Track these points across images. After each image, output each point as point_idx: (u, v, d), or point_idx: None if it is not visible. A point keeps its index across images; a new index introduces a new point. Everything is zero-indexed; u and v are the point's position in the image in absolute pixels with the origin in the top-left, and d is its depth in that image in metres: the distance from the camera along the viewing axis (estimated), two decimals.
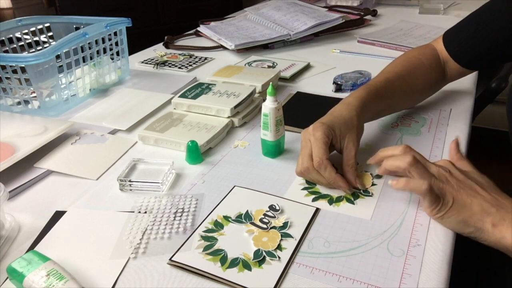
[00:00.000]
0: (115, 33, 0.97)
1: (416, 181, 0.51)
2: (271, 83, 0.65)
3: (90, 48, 0.90)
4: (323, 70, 1.04)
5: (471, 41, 0.73)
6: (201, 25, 1.40)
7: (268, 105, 0.63)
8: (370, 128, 0.75)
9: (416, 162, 0.51)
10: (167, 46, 1.27)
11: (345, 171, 0.59)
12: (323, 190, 0.60)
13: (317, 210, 0.56)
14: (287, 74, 0.98)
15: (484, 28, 0.71)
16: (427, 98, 0.82)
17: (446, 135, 0.72)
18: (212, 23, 1.41)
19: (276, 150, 0.67)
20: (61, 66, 0.85)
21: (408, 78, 0.74)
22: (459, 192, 0.50)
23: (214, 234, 0.52)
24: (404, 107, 0.79)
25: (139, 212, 0.57)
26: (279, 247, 0.49)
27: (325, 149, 0.57)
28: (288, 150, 0.70)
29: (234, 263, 0.48)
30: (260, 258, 0.48)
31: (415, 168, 0.51)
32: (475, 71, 0.84)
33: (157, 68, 1.10)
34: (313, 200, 0.58)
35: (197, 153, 0.67)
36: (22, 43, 0.98)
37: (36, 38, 1.00)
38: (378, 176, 0.61)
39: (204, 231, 0.53)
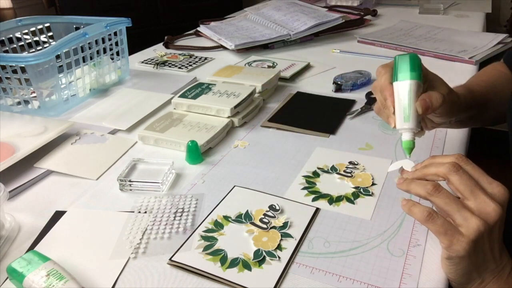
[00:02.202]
0: (115, 33, 0.97)
1: (419, 207, 0.43)
2: None
3: (90, 48, 0.90)
4: (323, 70, 1.04)
5: None
6: (201, 25, 1.40)
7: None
8: (370, 128, 0.75)
9: (440, 191, 0.42)
10: (167, 46, 1.27)
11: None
12: (323, 190, 0.60)
13: (317, 210, 0.56)
14: (287, 74, 0.98)
15: None
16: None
17: (446, 135, 0.72)
18: (212, 23, 1.41)
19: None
20: (61, 66, 0.85)
21: (498, 83, 0.67)
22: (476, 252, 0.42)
23: (214, 234, 0.52)
24: (495, 120, 0.69)
25: (139, 212, 0.57)
26: (279, 247, 0.49)
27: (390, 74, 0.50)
28: (289, 150, 0.70)
29: (234, 263, 0.48)
30: (260, 258, 0.48)
31: (438, 196, 0.42)
32: None
33: (157, 68, 1.10)
34: (313, 200, 0.58)
35: (197, 153, 0.67)
36: (22, 43, 0.98)
37: (36, 38, 1.00)
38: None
39: (204, 231, 0.53)
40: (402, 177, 0.47)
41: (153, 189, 0.61)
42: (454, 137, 0.71)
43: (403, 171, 0.48)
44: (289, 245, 0.50)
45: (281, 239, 0.50)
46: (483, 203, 0.41)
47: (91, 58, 0.92)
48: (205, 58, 1.16)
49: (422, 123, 0.53)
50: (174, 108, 0.80)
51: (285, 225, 0.53)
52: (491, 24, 1.63)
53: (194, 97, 0.79)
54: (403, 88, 0.48)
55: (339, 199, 0.58)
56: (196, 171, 0.65)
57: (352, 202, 0.57)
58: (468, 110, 0.60)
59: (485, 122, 0.69)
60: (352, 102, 0.85)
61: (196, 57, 1.18)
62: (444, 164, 0.43)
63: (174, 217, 0.55)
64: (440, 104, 0.48)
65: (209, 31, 1.31)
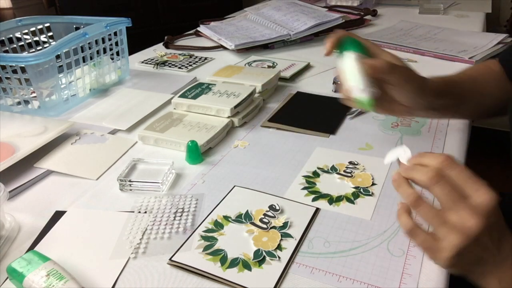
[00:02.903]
0: (115, 33, 0.97)
1: (404, 219, 0.44)
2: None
3: (90, 48, 0.90)
4: (323, 70, 1.04)
5: None
6: (201, 25, 1.40)
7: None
8: (370, 128, 0.75)
9: (420, 205, 0.42)
10: (167, 46, 1.27)
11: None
12: (323, 190, 0.60)
13: (317, 210, 0.56)
14: (287, 74, 0.98)
15: None
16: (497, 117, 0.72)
17: (446, 135, 0.72)
18: (212, 23, 1.41)
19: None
20: (61, 66, 0.85)
21: (481, 78, 0.68)
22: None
23: (214, 234, 0.52)
24: (473, 113, 0.71)
25: (139, 212, 0.57)
26: (279, 247, 0.49)
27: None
28: (289, 150, 0.70)
29: (234, 263, 0.48)
30: (260, 258, 0.48)
31: (419, 209, 0.42)
32: None
33: (157, 68, 1.10)
34: (313, 200, 0.58)
35: (197, 153, 0.67)
36: (22, 43, 0.98)
37: (36, 38, 1.00)
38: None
39: (204, 231, 0.53)
40: (397, 174, 0.46)
41: (153, 189, 0.61)
42: (454, 138, 0.71)
43: (400, 164, 0.47)
44: (289, 245, 0.50)
45: (281, 239, 0.50)
46: (464, 218, 0.40)
47: (91, 58, 0.92)
48: (205, 58, 1.16)
49: (393, 107, 0.61)
50: (174, 108, 0.80)
51: (285, 225, 0.53)
52: (491, 24, 1.63)
53: (194, 97, 0.79)
54: (349, 59, 0.56)
55: (339, 199, 0.58)
56: (196, 171, 0.65)
57: (352, 202, 0.57)
58: (441, 97, 0.62)
59: (463, 114, 0.71)
60: None
61: (196, 57, 1.18)
62: (427, 172, 0.42)
63: (174, 217, 0.55)
64: (383, 67, 0.55)
65: (209, 31, 1.31)
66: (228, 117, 0.76)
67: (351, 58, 0.56)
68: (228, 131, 0.76)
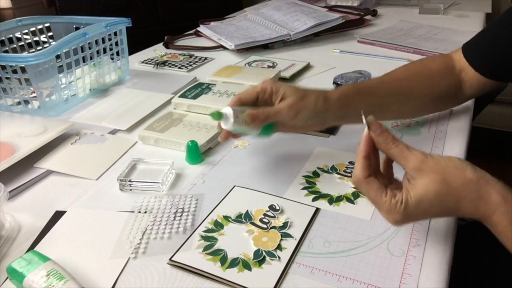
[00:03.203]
0: (115, 33, 0.97)
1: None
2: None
3: (90, 48, 0.90)
4: (323, 70, 1.04)
5: (492, 48, 0.67)
6: (201, 25, 1.40)
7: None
8: None
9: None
10: (167, 46, 1.27)
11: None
12: (323, 190, 0.60)
13: (317, 210, 0.56)
14: (287, 74, 0.98)
15: (506, 35, 0.65)
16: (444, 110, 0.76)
17: (446, 135, 0.72)
18: (212, 23, 1.41)
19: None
20: (61, 66, 0.85)
21: (407, 82, 0.69)
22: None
23: (214, 234, 0.52)
24: (407, 114, 0.73)
25: (139, 212, 0.57)
26: (279, 247, 0.49)
27: (250, 92, 0.61)
28: (288, 149, 0.70)
29: (234, 263, 0.48)
30: (260, 258, 0.48)
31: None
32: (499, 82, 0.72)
33: (157, 68, 1.10)
34: (313, 200, 0.58)
35: (197, 153, 0.67)
36: (22, 43, 0.98)
37: (36, 38, 1.00)
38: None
39: (204, 231, 0.53)
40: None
41: (153, 189, 0.61)
42: (455, 138, 0.71)
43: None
44: (289, 245, 0.50)
45: (281, 239, 0.50)
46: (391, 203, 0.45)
47: (91, 58, 0.92)
48: (205, 58, 1.16)
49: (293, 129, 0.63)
50: (174, 108, 0.80)
51: (285, 225, 0.53)
52: None
53: (194, 97, 0.79)
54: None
55: (339, 199, 0.58)
56: (196, 171, 0.65)
57: (352, 202, 0.57)
58: (348, 107, 0.62)
59: (392, 116, 0.72)
60: None
61: (196, 57, 1.18)
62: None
63: (174, 217, 0.55)
64: (259, 116, 0.57)
65: (209, 31, 1.31)
66: None
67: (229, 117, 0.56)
68: None
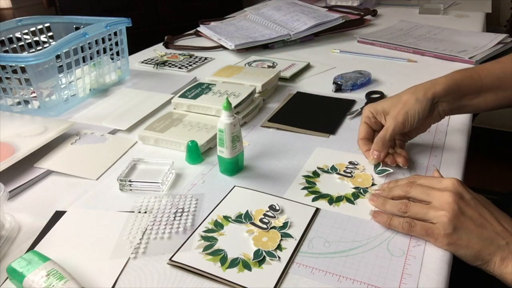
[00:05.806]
0: (115, 33, 0.97)
1: (398, 220, 0.51)
2: (226, 97, 0.60)
3: (90, 48, 0.90)
4: (323, 70, 1.04)
5: None
6: (201, 25, 1.40)
7: (223, 121, 0.59)
8: None
9: (409, 207, 0.51)
10: (167, 46, 1.27)
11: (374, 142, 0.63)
12: (323, 190, 0.60)
13: (317, 210, 0.56)
14: (287, 74, 0.98)
15: None
16: None
17: (446, 135, 0.72)
18: (212, 23, 1.41)
19: (234, 167, 0.63)
20: (61, 66, 0.85)
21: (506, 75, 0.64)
22: (463, 222, 0.47)
23: (214, 234, 0.52)
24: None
25: (139, 212, 0.57)
26: (279, 247, 0.49)
27: (364, 128, 0.65)
28: (289, 150, 0.70)
29: (234, 263, 0.48)
30: (260, 258, 0.48)
31: (410, 209, 0.51)
32: None
33: (157, 68, 1.10)
34: (313, 200, 0.58)
35: (197, 153, 0.67)
36: (22, 43, 0.98)
37: (36, 38, 1.00)
38: (381, 171, 0.62)
39: (204, 231, 0.53)
40: (375, 196, 0.55)
41: (153, 189, 0.61)
42: (454, 138, 0.71)
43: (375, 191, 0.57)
44: (289, 245, 0.50)
45: (281, 239, 0.50)
46: (440, 198, 0.49)
47: (91, 58, 0.92)
48: (205, 58, 1.16)
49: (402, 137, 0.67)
50: (174, 108, 0.80)
51: (285, 225, 0.53)
52: (491, 24, 1.64)
53: (194, 97, 0.79)
54: None
55: (339, 199, 0.58)
56: (196, 171, 0.65)
57: (352, 202, 0.57)
58: (453, 101, 0.63)
59: (493, 105, 0.67)
60: (352, 102, 0.85)
61: (196, 57, 1.18)
62: (401, 186, 0.54)
63: (174, 217, 0.55)
64: (384, 141, 0.61)
65: (209, 31, 1.31)
66: None
67: None
68: None
